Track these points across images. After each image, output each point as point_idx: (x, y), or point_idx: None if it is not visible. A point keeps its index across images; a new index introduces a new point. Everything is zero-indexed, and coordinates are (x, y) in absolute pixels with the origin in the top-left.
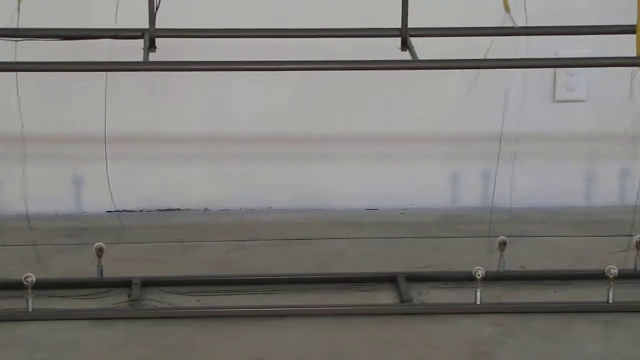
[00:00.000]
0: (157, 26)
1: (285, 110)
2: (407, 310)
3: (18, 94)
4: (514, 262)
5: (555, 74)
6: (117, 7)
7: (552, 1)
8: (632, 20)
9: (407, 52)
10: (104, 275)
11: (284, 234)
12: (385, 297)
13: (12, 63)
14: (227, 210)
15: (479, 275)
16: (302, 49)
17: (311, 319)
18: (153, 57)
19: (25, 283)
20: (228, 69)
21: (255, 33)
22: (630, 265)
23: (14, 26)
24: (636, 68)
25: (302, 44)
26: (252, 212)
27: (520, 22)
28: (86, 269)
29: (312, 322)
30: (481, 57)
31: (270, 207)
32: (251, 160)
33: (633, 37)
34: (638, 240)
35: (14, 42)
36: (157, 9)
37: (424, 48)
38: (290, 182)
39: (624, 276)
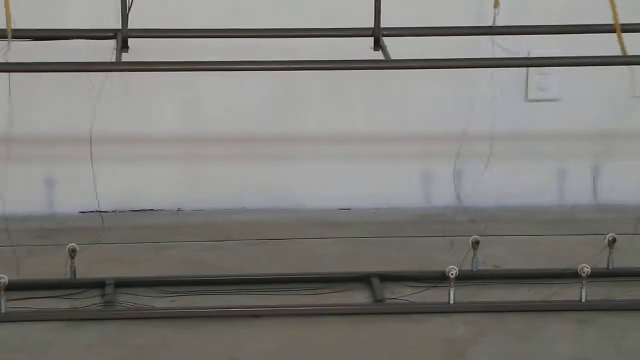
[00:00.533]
0: (130, 26)
1: (258, 111)
2: (380, 309)
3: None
4: (487, 261)
5: (527, 73)
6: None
7: (524, 1)
8: (601, 20)
9: (380, 52)
10: (77, 276)
11: (258, 234)
12: (359, 296)
13: None
14: (201, 210)
15: (452, 274)
16: (274, 49)
17: (285, 318)
18: (126, 57)
19: None
20: (200, 69)
21: (228, 33)
22: (603, 264)
23: None
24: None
25: (275, 44)
26: (225, 212)
27: (489, 22)
28: (59, 270)
29: (286, 322)
30: (455, 56)
31: (243, 207)
32: (224, 161)
33: (604, 36)
34: (611, 239)
35: None
36: (129, 9)
37: (398, 48)
38: (263, 182)
39: (597, 275)
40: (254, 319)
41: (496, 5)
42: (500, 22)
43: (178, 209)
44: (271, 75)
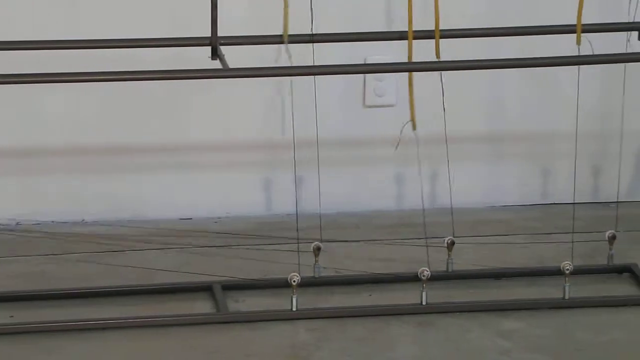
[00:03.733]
0: None
1: (95, 121)
2: (223, 318)
3: None
4: (328, 267)
5: (365, 80)
6: None
7: (360, 8)
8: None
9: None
10: None
11: (99, 246)
12: (202, 306)
13: None
14: (40, 223)
15: (294, 281)
16: (114, 58)
17: (128, 330)
18: None
19: None
20: (33, 81)
21: (66, 45)
22: (442, 267)
23: None
24: None
25: (115, 54)
26: (65, 225)
27: (330, 29)
28: None
29: (129, 333)
30: (290, 64)
31: (83, 220)
32: (62, 173)
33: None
34: (449, 241)
35: None
36: None
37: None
38: (103, 194)
39: (436, 278)
40: (97, 331)
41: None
42: (338, 29)
43: (17, 223)
44: (109, 85)
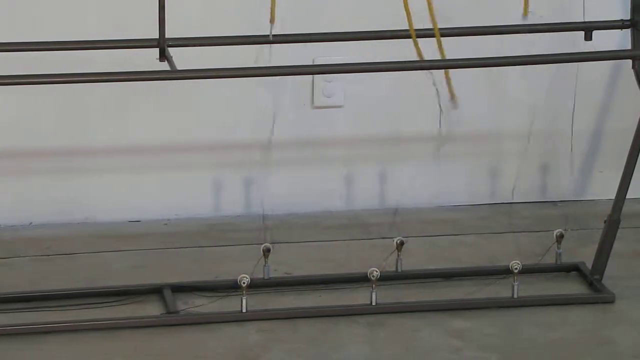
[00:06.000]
0: None
1: (44, 123)
2: (173, 321)
3: None
4: (278, 268)
5: (313, 80)
6: None
7: (310, 8)
8: (385, 27)
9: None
10: None
11: (47, 249)
12: (151, 309)
13: None
14: None
15: (244, 283)
16: (61, 60)
17: (78, 334)
18: None
19: None
20: None
21: (11, 47)
22: (392, 267)
23: None
24: None
25: (61, 56)
26: (12, 228)
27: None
28: None
29: (78, 337)
30: (239, 65)
31: (31, 223)
32: (9, 175)
33: (386, 42)
34: (398, 242)
35: None
36: None
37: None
38: (51, 196)
39: (386, 278)
40: (45, 335)
41: (272, 20)
42: (287, 30)
43: None
44: (57, 87)
